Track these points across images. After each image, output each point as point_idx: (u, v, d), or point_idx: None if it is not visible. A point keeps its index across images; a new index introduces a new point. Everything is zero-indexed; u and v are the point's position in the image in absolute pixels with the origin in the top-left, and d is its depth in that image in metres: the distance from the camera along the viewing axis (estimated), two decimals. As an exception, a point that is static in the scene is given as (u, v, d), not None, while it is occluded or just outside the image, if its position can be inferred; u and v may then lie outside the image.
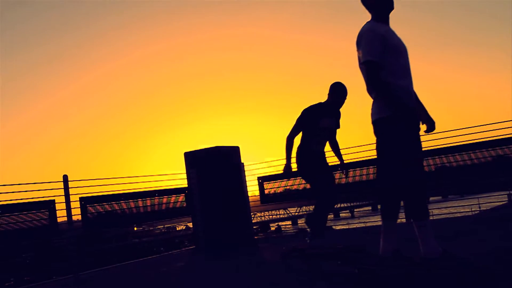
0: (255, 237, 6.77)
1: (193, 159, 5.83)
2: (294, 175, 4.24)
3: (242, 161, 6.02)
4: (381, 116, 2.69)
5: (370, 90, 2.80)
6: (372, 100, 2.82)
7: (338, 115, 4.27)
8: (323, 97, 4.19)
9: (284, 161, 4.08)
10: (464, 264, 2.48)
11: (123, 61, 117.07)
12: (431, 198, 31.85)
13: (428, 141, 5.35)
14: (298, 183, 6.21)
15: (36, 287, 4.65)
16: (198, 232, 5.78)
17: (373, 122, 2.77)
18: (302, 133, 4.18)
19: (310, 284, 2.83)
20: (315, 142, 4.16)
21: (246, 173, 6.11)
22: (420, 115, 2.85)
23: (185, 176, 5.95)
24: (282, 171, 4.20)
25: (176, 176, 6.09)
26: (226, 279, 3.45)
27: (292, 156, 4.16)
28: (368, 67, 2.67)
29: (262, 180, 6.42)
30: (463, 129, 5.27)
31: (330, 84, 4.14)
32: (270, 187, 6.39)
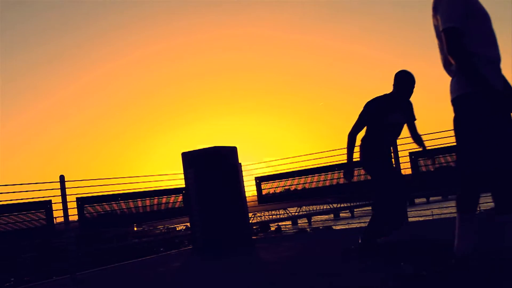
0: (254, 237, 6.76)
1: (190, 159, 5.81)
2: (352, 176, 3.82)
3: (239, 161, 6.01)
4: (463, 92, 2.30)
5: (448, 63, 2.41)
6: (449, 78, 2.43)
7: (409, 107, 3.83)
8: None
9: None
10: None
11: (123, 61, 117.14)
12: (431, 198, 31.81)
13: (426, 141, 5.32)
14: (296, 183, 6.20)
15: (35, 287, 4.64)
16: (195, 232, 5.76)
17: (453, 100, 2.38)
18: (367, 128, 3.77)
19: (310, 284, 2.81)
20: (381, 139, 3.76)
21: (244, 173, 6.09)
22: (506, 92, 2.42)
23: (182, 176, 5.94)
24: (343, 174, 3.84)
25: (173, 176, 6.08)
26: (223, 279, 3.43)
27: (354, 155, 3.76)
28: (448, 35, 2.27)
29: (259, 180, 6.41)
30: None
31: (395, 73, 3.68)
32: (268, 187, 6.38)
